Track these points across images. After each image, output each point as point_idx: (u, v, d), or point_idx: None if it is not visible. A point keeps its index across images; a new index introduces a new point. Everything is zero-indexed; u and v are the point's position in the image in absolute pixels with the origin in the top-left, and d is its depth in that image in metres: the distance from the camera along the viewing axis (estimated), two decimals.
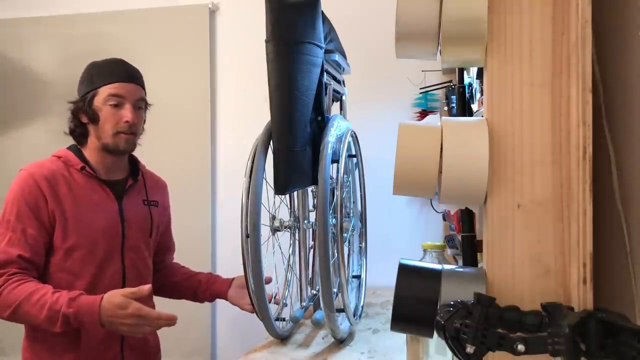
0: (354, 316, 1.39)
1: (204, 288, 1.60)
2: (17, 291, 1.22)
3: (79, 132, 1.42)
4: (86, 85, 1.40)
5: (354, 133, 1.54)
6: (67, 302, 1.21)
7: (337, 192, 1.24)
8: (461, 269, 0.73)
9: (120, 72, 1.41)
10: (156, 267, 1.57)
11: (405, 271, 0.72)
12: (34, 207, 1.30)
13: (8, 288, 1.22)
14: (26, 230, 1.29)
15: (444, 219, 1.94)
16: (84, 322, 1.22)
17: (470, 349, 0.55)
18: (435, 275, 0.70)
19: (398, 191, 0.72)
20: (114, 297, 1.22)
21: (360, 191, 1.68)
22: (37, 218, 1.30)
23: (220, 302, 2.36)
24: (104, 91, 1.37)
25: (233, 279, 1.60)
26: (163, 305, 1.45)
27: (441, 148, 0.68)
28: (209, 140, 2.34)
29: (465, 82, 1.13)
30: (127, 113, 1.38)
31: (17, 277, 1.24)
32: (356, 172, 1.64)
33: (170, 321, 1.24)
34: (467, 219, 0.90)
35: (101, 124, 1.38)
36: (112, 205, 1.41)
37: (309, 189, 1.48)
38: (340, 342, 1.36)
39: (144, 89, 1.47)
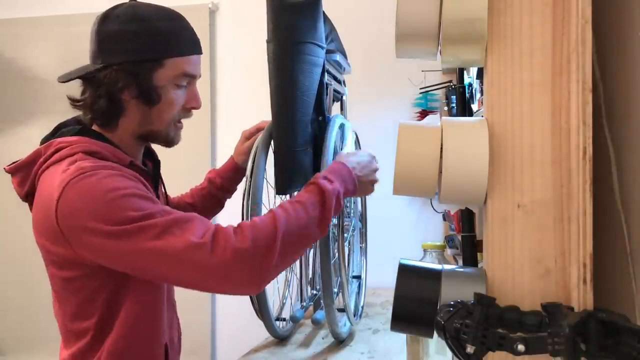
0: (354, 316, 1.40)
1: (225, 190, 1.36)
2: (263, 221, 0.90)
3: (115, 114, 1.00)
4: (142, 49, 0.97)
5: (355, 133, 1.54)
6: (324, 179, 1.00)
7: None
8: (461, 269, 0.73)
9: (193, 39, 1.04)
10: None
11: (405, 271, 0.72)
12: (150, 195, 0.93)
13: (256, 221, 0.90)
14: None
15: (444, 219, 1.94)
16: (349, 191, 1.05)
17: (470, 349, 0.56)
18: (435, 275, 0.70)
19: (398, 191, 0.72)
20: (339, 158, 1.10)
21: None
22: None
23: (220, 302, 2.37)
24: (176, 66, 0.99)
25: (232, 158, 1.38)
26: None
27: (441, 148, 0.68)
28: (209, 140, 2.34)
29: (465, 82, 1.13)
30: (197, 97, 1.06)
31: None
32: None
33: None
34: (467, 219, 0.90)
35: (160, 107, 1.00)
36: None
37: None
38: (340, 342, 1.36)
39: None
